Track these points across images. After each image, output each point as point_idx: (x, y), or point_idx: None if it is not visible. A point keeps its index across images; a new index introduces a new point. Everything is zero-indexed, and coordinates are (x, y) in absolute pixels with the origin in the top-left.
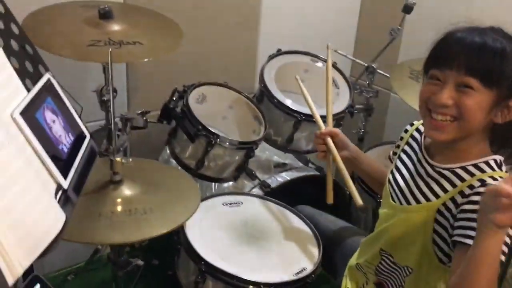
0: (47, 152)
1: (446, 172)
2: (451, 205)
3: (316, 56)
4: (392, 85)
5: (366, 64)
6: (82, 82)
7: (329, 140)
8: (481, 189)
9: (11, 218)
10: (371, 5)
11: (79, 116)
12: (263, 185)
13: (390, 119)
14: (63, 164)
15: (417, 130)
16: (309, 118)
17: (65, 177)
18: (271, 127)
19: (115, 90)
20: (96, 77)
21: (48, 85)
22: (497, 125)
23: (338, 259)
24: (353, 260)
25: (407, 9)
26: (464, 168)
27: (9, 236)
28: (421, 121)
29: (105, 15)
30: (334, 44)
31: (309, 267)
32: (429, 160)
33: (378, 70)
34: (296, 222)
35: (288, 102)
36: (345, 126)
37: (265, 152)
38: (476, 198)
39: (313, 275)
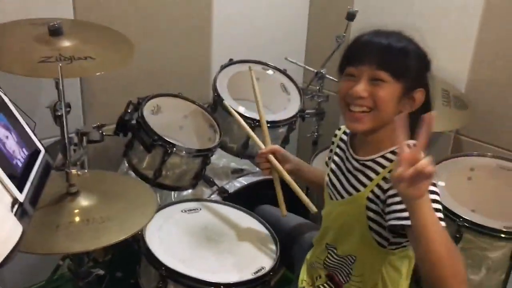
0: (1, 167)
1: (369, 163)
2: (378, 192)
3: (266, 64)
4: None
5: (315, 70)
6: (36, 98)
7: (271, 157)
8: None
9: None
10: (318, 13)
11: (33, 132)
12: (221, 191)
13: (341, 121)
14: (18, 178)
15: (344, 132)
16: None
17: (20, 190)
18: (226, 135)
19: (69, 105)
20: (50, 92)
21: (0, 102)
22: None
23: (296, 254)
24: (309, 255)
25: (350, 16)
26: (383, 157)
27: None
28: None
29: (55, 32)
30: (285, 52)
31: (267, 265)
32: (354, 155)
33: (327, 75)
34: (254, 224)
35: (241, 110)
36: (300, 131)
37: (222, 159)
38: None
39: (271, 273)
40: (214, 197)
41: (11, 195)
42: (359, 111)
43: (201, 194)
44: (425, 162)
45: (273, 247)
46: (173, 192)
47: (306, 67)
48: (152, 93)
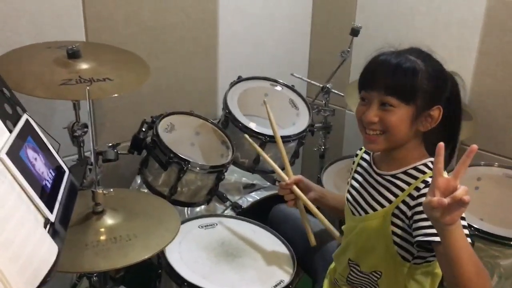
0: (33, 188)
1: (392, 178)
2: (403, 208)
3: (275, 81)
4: (347, 102)
5: (321, 85)
6: (49, 120)
7: (295, 188)
8: (426, 190)
9: (11, 250)
10: (320, 29)
11: (57, 153)
12: (235, 206)
13: (347, 134)
14: (47, 199)
15: (366, 152)
16: (273, 139)
17: (51, 211)
18: (237, 150)
19: (86, 126)
20: (62, 114)
21: (27, 125)
22: (427, 132)
23: (319, 263)
24: (330, 270)
25: (355, 32)
26: (405, 172)
27: (10, 268)
28: None
29: (74, 55)
30: (289, 68)
31: (286, 279)
32: (377, 170)
33: (333, 90)
34: (269, 238)
35: (253, 126)
36: (305, 144)
37: (234, 175)
38: (423, 199)
39: (290, 286)
40: (228, 212)
41: (43, 215)
42: (373, 134)
43: (214, 210)
44: (462, 191)
45: (290, 260)
46: (186, 209)
47: (312, 82)
48: (165, 112)
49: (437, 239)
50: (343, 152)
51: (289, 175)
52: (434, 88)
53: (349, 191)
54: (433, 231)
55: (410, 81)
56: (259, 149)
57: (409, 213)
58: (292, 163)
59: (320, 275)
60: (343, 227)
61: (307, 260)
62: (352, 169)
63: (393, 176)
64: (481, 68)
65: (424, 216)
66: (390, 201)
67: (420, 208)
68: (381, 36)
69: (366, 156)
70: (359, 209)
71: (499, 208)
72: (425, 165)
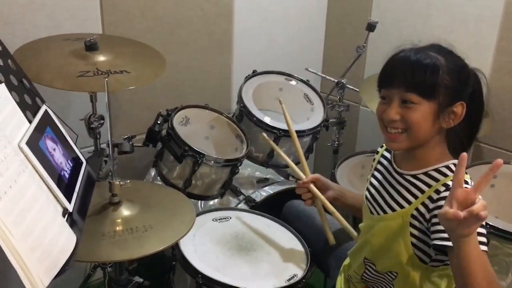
0: (52, 178)
1: (412, 179)
2: (422, 210)
3: (289, 75)
4: (362, 98)
5: (336, 80)
6: (65, 111)
7: (313, 187)
8: (446, 194)
9: (31, 239)
10: (335, 24)
11: (75, 144)
12: (248, 200)
13: (361, 130)
14: (66, 189)
15: (387, 149)
16: (287, 134)
17: (69, 201)
18: (252, 144)
19: (102, 118)
20: (79, 106)
21: (46, 116)
22: (450, 130)
23: (333, 261)
24: (345, 267)
25: (371, 27)
26: (426, 174)
27: (30, 256)
28: None
29: (91, 47)
30: (303, 63)
31: (299, 273)
32: (397, 169)
33: (348, 85)
34: (283, 231)
35: (267, 120)
36: (320, 140)
37: (247, 169)
38: (442, 202)
39: (303, 280)
40: (241, 206)
41: (62, 205)
42: (395, 132)
43: (228, 203)
44: (480, 206)
45: (303, 254)
46: (199, 202)
47: (327, 77)
48: (180, 105)
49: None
50: (357, 147)
51: (306, 173)
52: (457, 84)
53: (368, 189)
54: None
55: (431, 76)
56: (276, 146)
57: (427, 216)
58: (306, 158)
59: (334, 273)
60: (360, 225)
61: (321, 258)
62: (372, 166)
63: (414, 176)
64: (499, 65)
65: None
66: (409, 202)
67: (438, 212)
68: (397, 32)
69: (387, 154)
70: (377, 208)
71: None
72: (447, 167)
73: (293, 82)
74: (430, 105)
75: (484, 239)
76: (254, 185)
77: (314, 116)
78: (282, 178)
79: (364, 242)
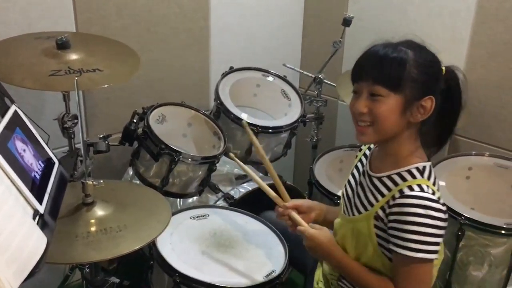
0: (22, 180)
1: (376, 181)
2: (381, 214)
3: (266, 71)
4: (339, 93)
5: (313, 76)
6: (39, 111)
7: (294, 214)
8: (400, 200)
9: None
10: (312, 20)
11: (47, 144)
12: (227, 197)
13: (340, 125)
14: (37, 190)
15: (369, 148)
16: (265, 130)
17: (40, 202)
18: (229, 141)
19: (76, 117)
20: (53, 105)
21: (16, 117)
22: (423, 125)
23: (310, 258)
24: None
25: (347, 22)
26: (389, 177)
27: None
28: None
29: (63, 46)
30: (282, 59)
31: (277, 269)
32: (368, 171)
33: (325, 80)
34: (261, 228)
35: (244, 116)
36: (298, 135)
37: (226, 166)
38: (395, 209)
39: (281, 276)
40: (220, 203)
41: (32, 207)
42: (363, 125)
43: (207, 201)
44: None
45: (282, 250)
46: (178, 200)
47: (304, 72)
48: (156, 103)
49: (398, 250)
50: (336, 142)
51: (285, 198)
52: (425, 78)
53: (345, 186)
54: (398, 242)
55: (397, 69)
56: (254, 139)
57: (386, 220)
58: (284, 154)
59: (311, 269)
60: (335, 221)
61: (300, 254)
62: (353, 163)
63: (379, 179)
64: (473, 58)
65: (394, 226)
66: (372, 205)
67: (392, 218)
68: (374, 26)
69: (368, 152)
70: (349, 208)
71: (490, 198)
72: (409, 171)
73: (270, 78)
74: (397, 98)
75: (427, 247)
76: (232, 182)
77: (291, 112)
78: (261, 174)
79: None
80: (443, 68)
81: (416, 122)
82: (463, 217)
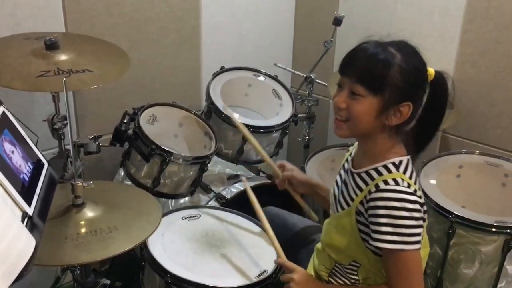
0: (10, 181)
1: (356, 177)
2: (361, 208)
3: (258, 71)
4: (331, 92)
5: (304, 75)
6: (28, 112)
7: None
8: (375, 195)
9: None
10: (304, 19)
11: (36, 145)
12: (219, 197)
13: (331, 124)
14: (25, 192)
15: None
16: (257, 130)
17: (29, 204)
18: (221, 141)
19: (66, 118)
20: (43, 106)
21: (4, 118)
22: (399, 128)
23: (304, 256)
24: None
25: (337, 21)
26: (367, 172)
27: None
28: None
29: (52, 46)
30: (273, 58)
31: (269, 269)
32: (351, 168)
33: (317, 80)
34: (253, 228)
35: (236, 116)
36: (290, 134)
37: (218, 166)
38: (371, 204)
39: (273, 276)
40: (212, 203)
41: (21, 208)
42: (340, 119)
43: (198, 201)
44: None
45: (274, 250)
46: (170, 200)
47: (296, 72)
48: (147, 103)
49: (379, 244)
50: (328, 141)
51: (276, 174)
52: (406, 85)
53: (333, 186)
54: (376, 236)
55: (381, 72)
56: (249, 135)
57: (366, 215)
58: (276, 154)
59: (304, 265)
60: (325, 221)
61: (292, 256)
62: (342, 163)
63: (358, 174)
64: (463, 56)
65: (372, 220)
66: (352, 200)
67: (371, 212)
68: (365, 25)
69: (354, 152)
70: (336, 205)
71: (480, 195)
72: (385, 166)
73: (262, 78)
74: (375, 100)
75: (410, 238)
76: (224, 182)
77: (283, 112)
78: (252, 174)
79: (325, 240)
80: (433, 72)
81: (391, 125)
82: (453, 215)
